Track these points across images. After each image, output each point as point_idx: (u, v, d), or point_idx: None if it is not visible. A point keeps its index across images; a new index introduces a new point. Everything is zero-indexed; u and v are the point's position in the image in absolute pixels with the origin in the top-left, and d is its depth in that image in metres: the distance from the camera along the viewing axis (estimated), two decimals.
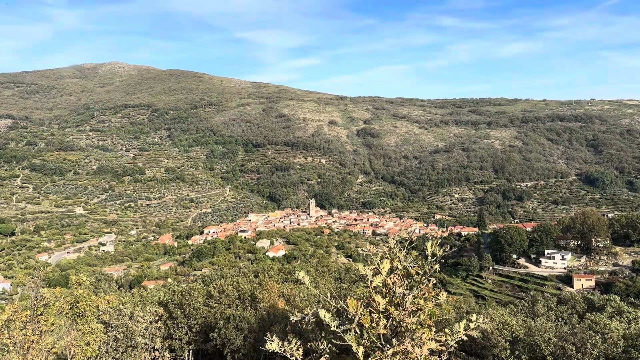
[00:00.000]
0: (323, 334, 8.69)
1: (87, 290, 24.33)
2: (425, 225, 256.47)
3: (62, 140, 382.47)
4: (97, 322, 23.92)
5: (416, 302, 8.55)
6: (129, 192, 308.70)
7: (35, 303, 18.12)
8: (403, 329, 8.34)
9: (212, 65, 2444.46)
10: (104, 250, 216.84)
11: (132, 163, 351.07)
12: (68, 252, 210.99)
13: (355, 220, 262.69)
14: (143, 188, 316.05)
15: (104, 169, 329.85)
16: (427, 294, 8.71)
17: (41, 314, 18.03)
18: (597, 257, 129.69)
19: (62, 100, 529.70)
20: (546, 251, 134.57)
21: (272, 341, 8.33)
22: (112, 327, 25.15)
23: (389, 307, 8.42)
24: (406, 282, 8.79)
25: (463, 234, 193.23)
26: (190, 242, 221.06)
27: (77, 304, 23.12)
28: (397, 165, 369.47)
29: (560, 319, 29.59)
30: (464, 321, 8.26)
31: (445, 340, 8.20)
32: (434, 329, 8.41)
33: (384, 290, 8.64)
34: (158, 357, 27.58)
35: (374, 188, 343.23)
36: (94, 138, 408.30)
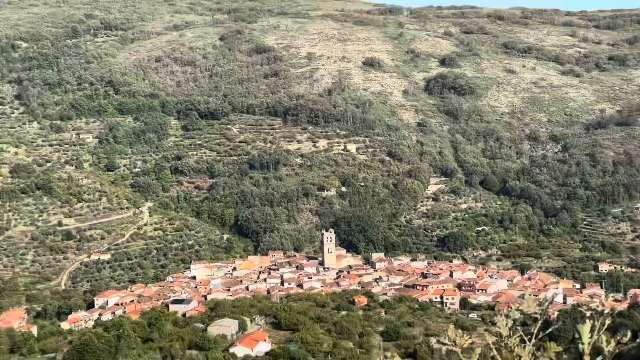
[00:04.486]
0: None
1: None
2: (578, 287, 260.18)
3: None
4: None
5: None
6: None
7: None
8: None
9: None
10: None
11: None
12: None
13: (425, 276, 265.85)
14: None
15: None
16: None
17: None
18: None
19: None
20: None
21: None
22: None
23: None
24: None
25: None
26: (66, 325, 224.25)
27: None
28: (515, 156, 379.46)
29: None
30: None
31: None
32: None
33: None
34: None
35: (465, 205, 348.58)
36: None
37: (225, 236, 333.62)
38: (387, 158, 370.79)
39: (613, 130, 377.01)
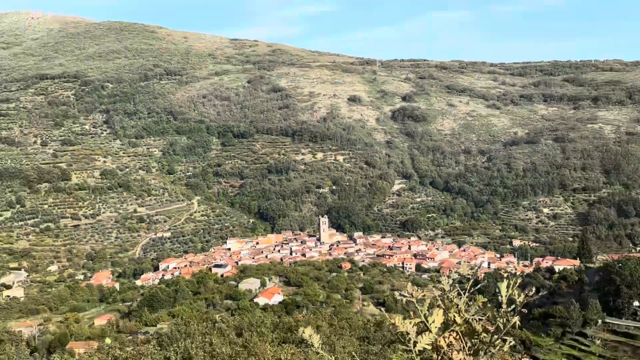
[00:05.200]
0: None
1: None
2: (498, 256, 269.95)
3: None
4: None
5: None
6: (46, 207, 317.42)
7: None
8: None
9: (172, 15, 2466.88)
10: (9, 296, 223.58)
11: (52, 163, 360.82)
12: None
13: (391, 248, 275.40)
14: (68, 201, 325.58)
15: (9, 173, 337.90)
16: None
17: None
18: None
19: None
20: None
21: None
22: None
23: None
24: (469, 344, 8.80)
25: (556, 270, 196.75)
26: (139, 282, 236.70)
27: None
28: (454, 165, 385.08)
29: None
30: None
31: None
32: None
33: (435, 356, 8.63)
34: None
35: (419, 199, 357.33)
36: None
37: (251, 220, 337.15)
38: (365, 165, 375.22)
39: (523, 146, 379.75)
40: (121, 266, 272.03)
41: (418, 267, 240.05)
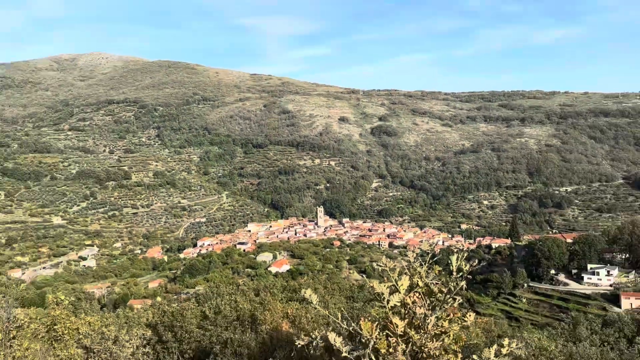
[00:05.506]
0: None
1: (66, 310, 24.55)
2: (450, 236, 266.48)
3: (38, 141, 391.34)
4: (76, 347, 24.06)
5: (440, 325, 8.57)
6: (112, 199, 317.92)
7: (7, 325, 18.22)
8: (425, 355, 8.39)
9: (207, 55, 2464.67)
10: (84, 266, 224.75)
11: (117, 166, 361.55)
12: (44, 268, 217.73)
13: (370, 230, 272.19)
14: (129, 194, 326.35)
15: (85, 174, 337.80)
16: (452, 315, 8.73)
17: (14, 338, 18.14)
18: None
19: (37, 95, 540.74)
20: (589, 266, 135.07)
21: None
22: (93, 353, 25.22)
23: (409, 329, 8.45)
24: (428, 302, 8.85)
25: (493, 247, 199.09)
26: (182, 255, 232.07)
27: (55, 327, 23.30)
28: (417, 168, 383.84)
29: (606, 343, 30.47)
30: (495, 346, 8.28)
31: None
32: (460, 355, 8.43)
33: (403, 310, 8.68)
34: None
35: (391, 194, 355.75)
36: (74, 138, 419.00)
37: (265, 209, 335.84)
38: (351, 169, 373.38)
39: (469, 155, 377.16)
40: (168, 243, 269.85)
41: (390, 245, 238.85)
